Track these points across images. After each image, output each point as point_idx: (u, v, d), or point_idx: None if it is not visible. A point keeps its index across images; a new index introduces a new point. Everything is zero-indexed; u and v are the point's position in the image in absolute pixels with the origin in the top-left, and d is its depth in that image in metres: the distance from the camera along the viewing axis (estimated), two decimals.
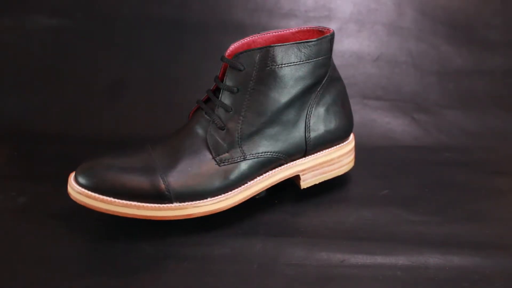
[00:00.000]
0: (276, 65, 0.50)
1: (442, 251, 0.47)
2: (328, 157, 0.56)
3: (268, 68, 0.50)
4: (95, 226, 0.50)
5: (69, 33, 0.82)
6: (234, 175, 0.49)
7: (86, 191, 0.46)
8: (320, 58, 0.52)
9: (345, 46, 0.84)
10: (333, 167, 0.56)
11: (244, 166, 0.50)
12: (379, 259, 0.46)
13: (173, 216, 0.47)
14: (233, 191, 0.50)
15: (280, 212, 0.53)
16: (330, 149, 0.56)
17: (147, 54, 0.82)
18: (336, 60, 0.84)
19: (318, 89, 0.53)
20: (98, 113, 0.78)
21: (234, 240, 0.48)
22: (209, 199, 0.48)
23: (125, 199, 0.46)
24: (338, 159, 0.56)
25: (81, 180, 0.47)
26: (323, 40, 0.52)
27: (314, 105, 0.53)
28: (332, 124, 0.55)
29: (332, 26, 0.85)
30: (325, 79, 0.54)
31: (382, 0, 0.85)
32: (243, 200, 0.51)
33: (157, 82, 0.81)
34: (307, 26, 0.56)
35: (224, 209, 0.49)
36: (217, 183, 0.48)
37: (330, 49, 0.53)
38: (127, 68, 0.82)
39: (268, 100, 0.50)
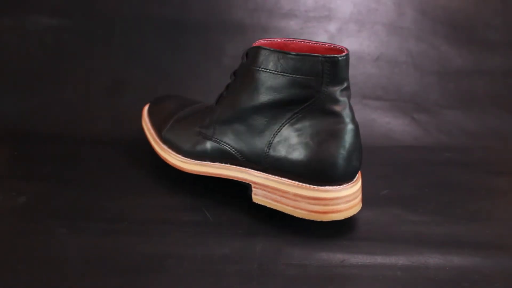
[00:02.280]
0: (255, 67, 0.50)
1: (442, 251, 0.47)
2: (282, 187, 0.50)
3: (250, 67, 0.50)
4: (95, 226, 0.50)
5: (69, 33, 0.82)
6: (199, 148, 0.54)
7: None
8: (298, 76, 0.47)
9: (345, 46, 0.84)
10: (286, 202, 0.50)
11: (208, 145, 0.53)
12: (379, 259, 0.46)
13: (157, 152, 0.60)
14: (192, 160, 0.55)
15: (280, 212, 0.53)
16: (290, 180, 0.49)
17: (147, 54, 0.82)
18: None
19: (296, 111, 0.49)
20: (98, 113, 0.78)
21: (234, 240, 0.48)
22: (179, 155, 0.56)
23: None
24: (293, 197, 0.49)
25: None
26: (305, 58, 0.47)
27: (287, 125, 0.49)
28: (295, 154, 0.48)
29: (332, 26, 0.85)
30: (307, 103, 0.48)
31: (382, 0, 0.85)
32: (197, 174, 0.55)
33: (157, 82, 0.81)
34: (342, 46, 0.50)
35: (181, 169, 0.56)
36: (186, 146, 0.55)
37: (318, 73, 0.47)
38: (127, 68, 0.82)
39: (240, 97, 0.51)
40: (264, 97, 0.49)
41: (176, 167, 0.56)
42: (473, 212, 0.55)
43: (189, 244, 0.47)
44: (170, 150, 0.57)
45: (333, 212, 0.48)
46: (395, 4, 0.85)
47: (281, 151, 0.49)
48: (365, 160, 0.66)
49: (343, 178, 0.48)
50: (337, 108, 0.47)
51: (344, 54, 0.47)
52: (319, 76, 0.47)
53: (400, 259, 0.46)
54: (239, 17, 0.84)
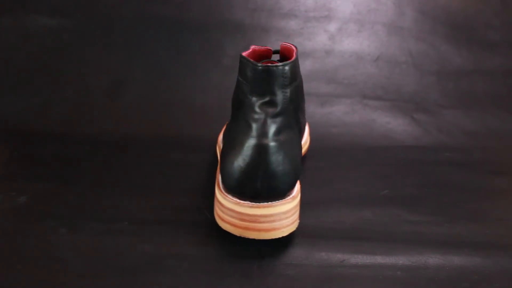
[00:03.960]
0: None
1: (442, 251, 0.47)
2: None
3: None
4: (95, 226, 0.50)
5: (69, 33, 0.82)
6: None
7: None
8: (241, 79, 0.48)
9: (345, 46, 0.84)
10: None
11: None
12: (379, 259, 0.46)
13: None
14: None
15: None
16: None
17: (147, 54, 0.82)
18: (336, 60, 0.85)
19: (234, 114, 0.51)
20: (98, 113, 0.78)
21: (234, 240, 0.48)
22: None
23: None
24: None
25: None
26: (247, 63, 0.46)
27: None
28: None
29: (332, 26, 0.85)
30: (240, 108, 0.48)
31: (382, 0, 0.85)
32: None
33: (157, 82, 0.81)
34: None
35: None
36: None
37: (248, 79, 0.46)
38: (127, 68, 0.82)
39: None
40: None
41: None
42: (473, 212, 0.55)
43: (189, 244, 0.47)
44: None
45: (227, 222, 0.46)
46: (395, 4, 0.85)
47: None
48: (365, 160, 0.66)
49: (235, 191, 0.45)
50: (250, 120, 0.45)
51: (267, 65, 0.45)
52: (248, 82, 0.46)
53: (400, 259, 0.46)
54: (239, 17, 0.84)
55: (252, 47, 0.52)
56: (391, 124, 0.77)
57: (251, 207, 0.44)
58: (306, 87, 0.77)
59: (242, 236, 0.45)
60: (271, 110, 0.45)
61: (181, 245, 0.47)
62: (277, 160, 0.44)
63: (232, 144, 0.46)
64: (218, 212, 0.47)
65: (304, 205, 0.55)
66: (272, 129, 0.44)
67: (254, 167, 0.43)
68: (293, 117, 0.48)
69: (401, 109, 0.79)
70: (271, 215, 0.44)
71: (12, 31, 0.82)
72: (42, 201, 0.54)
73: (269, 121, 0.44)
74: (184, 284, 0.42)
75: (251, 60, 0.46)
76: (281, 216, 0.45)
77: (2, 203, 0.54)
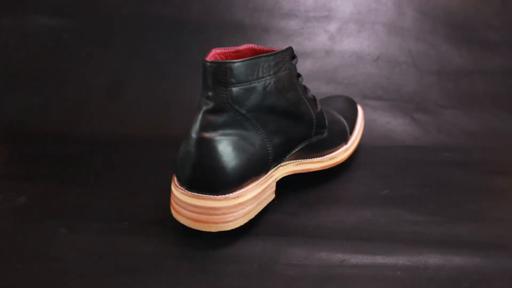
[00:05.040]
0: None
1: (442, 251, 0.47)
2: None
3: None
4: (95, 226, 0.50)
5: (69, 33, 0.82)
6: None
7: None
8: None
9: (345, 46, 0.84)
10: None
11: None
12: (379, 259, 0.46)
13: None
14: None
15: (280, 212, 0.53)
16: None
17: (147, 54, 0.82)
18: (336, 60, 0.85)
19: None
20: (98, 113, 0.78)
21: (234, 240, 0.48)
22: None
23: None
24: None
25: None
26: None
27: None
28: None
29: (332, 26, 0.85)
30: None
31: (382, 0, 0.85)
32: None
33: (157, 82, 0.81)
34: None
35: None
36: None
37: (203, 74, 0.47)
38: (127, 68, 0.82)
39: None
40: None
41: None
42: (473, 212, 0.55)
43: (189, 244, 0.47)
44: None
45: (176, 212, 0.48)
46: (395, 4, 0.85)
47: None
48: (365, 160, 0.66)
49: (180, 179, 0.48)
50: (196, 113, 0.47)
51: (206, 61, 0.46)
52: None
53: (400, 259, 0.46)
54: (239, 17, 0.84)
55: (213, 51, 0.51)
56: (391, 124, 0.77)
57: (181, 193, 0.47)
58: None
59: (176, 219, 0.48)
60: (206, 106, 0.46)
61: (181, 245, 0.47)
62: (202, 154, 0.46)
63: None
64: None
65: (303, 205, 0.55)
66: (201, 123, 0.46)
67: (183, 157, 0.47)
68: (246, 118, 0.48)
69: (401, 109, 0.79)
70: (196, 206, 0.46)
71: (12, 31, 0.82)
72: (42, 201, 0.54)
73: (201, 115, 0.46)
74: (184, 284, 0.42)
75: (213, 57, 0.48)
76: (209, 211, 0.46)
77: (2, 203, 0.54)
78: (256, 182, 0.49)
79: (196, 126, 0.47)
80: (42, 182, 0.59)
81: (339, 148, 0.60)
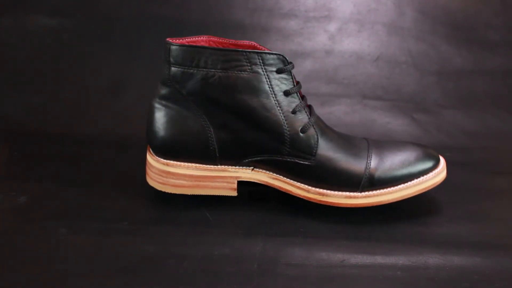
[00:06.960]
0: None
1: (442, 251, 0.47)
2: None
3: None
4: (95, 226, 0.50)
5: (69, 33, 0.82)
6: None
7: None
8: None
9: (345, 46, 0.84)
10: None
11: None
12: (379, 259, 0.46)
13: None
14: None
15: (280, 212, 0.53)
16: None
17: (147, 54, 0.82)
18: (336, 60, 0.85)
19: None
20: (98, 113, 0.78)
21: (234, 240, 0.48)
22: None
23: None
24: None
25: None
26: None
27: None
28: None
29: (332, 26, 0.85)
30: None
31: (382, 0, 0.85)
32: None
33: (157, 82, 0.81)
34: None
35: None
36: None
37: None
38: (127, 68, 0.82)
39: None
40: None
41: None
42: (473, 212, 0.55)
43: (189, 244, 0.47)
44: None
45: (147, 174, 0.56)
46: (395, 4, 0.85)
47: None
48: None
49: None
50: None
51: (167, 40, 0.52)
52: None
53: (400, 259, 0.46)
54: (239, 17, 0.84)
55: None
56: (391, 124, 0.77)
57: (148, 153, 0.55)
58: (306, 87, 0.77)
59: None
60: (161, 77, 0.53)
61: (181, 245, 0.47)
62: (150, 118, 0.53)
63: None
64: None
65: (303, 205, 0.55)
66: (155, 91, 0.53)
67: (148, 120, 0.54)
68: (186, 100, 0.52)
69: (401, 109, 0.79)
70: (147, 161, 0.55)
71: (12, 31, 0.82)
72: (42, 201, 0.54)
73: (159, 84, 0.53)
74: (184, 284, 0.42)
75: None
76: (148, 166, 0.55)
77: (2, 203, 0.54)
78: (197, 165, 0.53)
79: (155, 96, 0.53)
80: (42, 182, 0.59)
81: (339, 189, 0.52)
